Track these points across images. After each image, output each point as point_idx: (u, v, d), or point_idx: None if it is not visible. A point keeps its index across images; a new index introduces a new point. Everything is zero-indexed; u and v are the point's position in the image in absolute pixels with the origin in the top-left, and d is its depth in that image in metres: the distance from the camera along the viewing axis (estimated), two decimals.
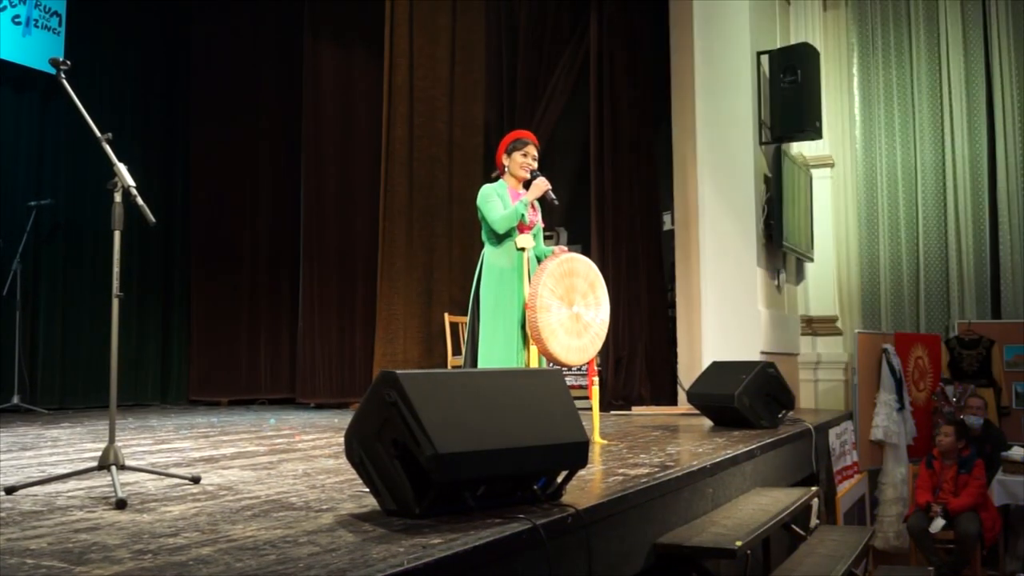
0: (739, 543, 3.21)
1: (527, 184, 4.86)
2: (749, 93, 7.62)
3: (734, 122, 7.61)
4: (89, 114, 3.31)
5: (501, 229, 4.71)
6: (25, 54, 8.11)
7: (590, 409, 4.87)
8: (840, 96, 8.91)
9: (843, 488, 6.54)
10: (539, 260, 4.78)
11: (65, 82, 3.32)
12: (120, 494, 2.78)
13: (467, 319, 4.87)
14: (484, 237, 4.83)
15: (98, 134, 3.26)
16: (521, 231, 4.76)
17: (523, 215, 4.72)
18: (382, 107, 8.58)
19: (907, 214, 8.70)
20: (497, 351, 4.62)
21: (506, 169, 4.90)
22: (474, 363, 4.67)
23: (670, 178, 8.10)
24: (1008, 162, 8.24)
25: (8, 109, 8.17)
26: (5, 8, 8.04)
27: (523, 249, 4.73)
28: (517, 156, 4.86)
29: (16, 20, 8.12)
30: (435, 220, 8.42)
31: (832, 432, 6.57)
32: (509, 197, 4.80)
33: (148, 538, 2.28)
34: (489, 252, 4.77)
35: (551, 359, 4.62)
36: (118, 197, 3.18)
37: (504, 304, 4.67)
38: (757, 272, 7.48)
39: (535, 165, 4.88)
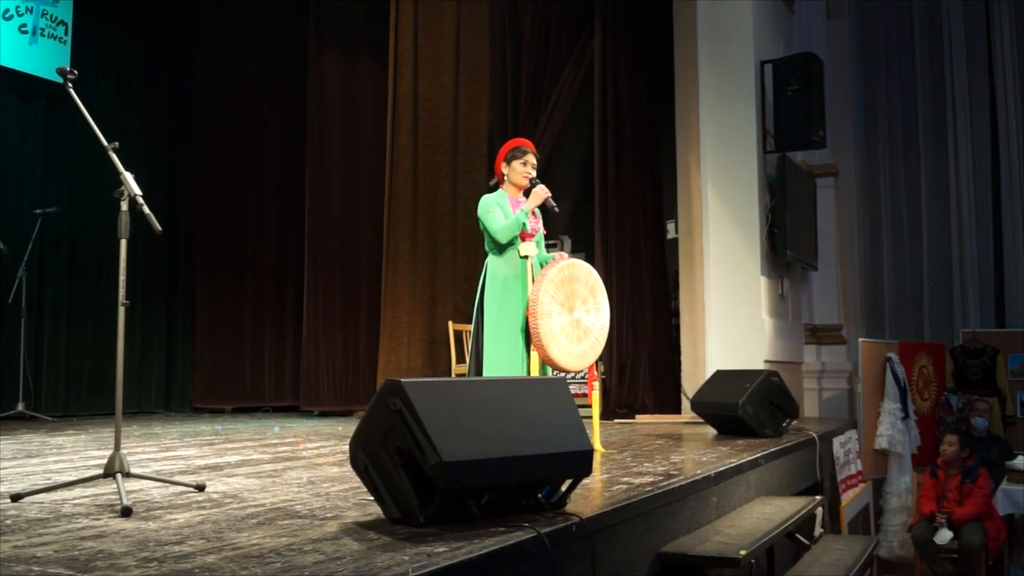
0: (743, 552, 3.21)
1: (527, 192, 4.88)
2: (753, 102, 7.64)
3: (738, 131, 7.62)
4: (95, 122, 3.33)
5: (503, 239, 4.72)
6: (32, 63, 8.15)
7: (591, 417, 4.87)
8: (844, 105, 8.92)
9: (847, 497, 6.53)
10: (542, 266, 4.79)
11: (72, 91, 3.34)
12: (125, 502, 2.78)
13: (471, 328, 4.88)
14: (487, 247, 4.85)
15: (105, 143, 3.27)
16: (523, 239, 4.78)
17: (524, 224, 4.73)
18: (386, 116, 8.61)
19: (911, 223, 8.70)
20: (502, 359, 4.62)
21: (505, 177, 4.92)
22: (478, 372, 4.68)
23: (674, 187, 8.11)
24: (1012, 170, 8.25)
25: (14, 117, 8.21)
26: (12, 17, 8.08)
27: (526, 257, 4.75)
28: (516, 164, 4.88)
29: (23, 29, 8.16)
30: (439, 228, 8.42)
31: (836, 441, 6.56)
32: (509, 206, 4.82)
33: (154, 546, 2.29)
34: (492, 261, 4.79)
35: (552, 365, 4.62)
36: (124, 206, 3.19)
37: (508, 312, 4.68)
38: (761, 281, 7.48)
39: (534, 173, 4.90)
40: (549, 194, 4.82)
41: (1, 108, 8.08)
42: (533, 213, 4.86)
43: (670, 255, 8.37)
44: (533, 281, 4.68)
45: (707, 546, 3.32)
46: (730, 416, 5.64)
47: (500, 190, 4.93)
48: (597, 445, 4.75)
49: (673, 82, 8.13)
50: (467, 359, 5.00)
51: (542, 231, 4.96)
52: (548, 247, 5.09)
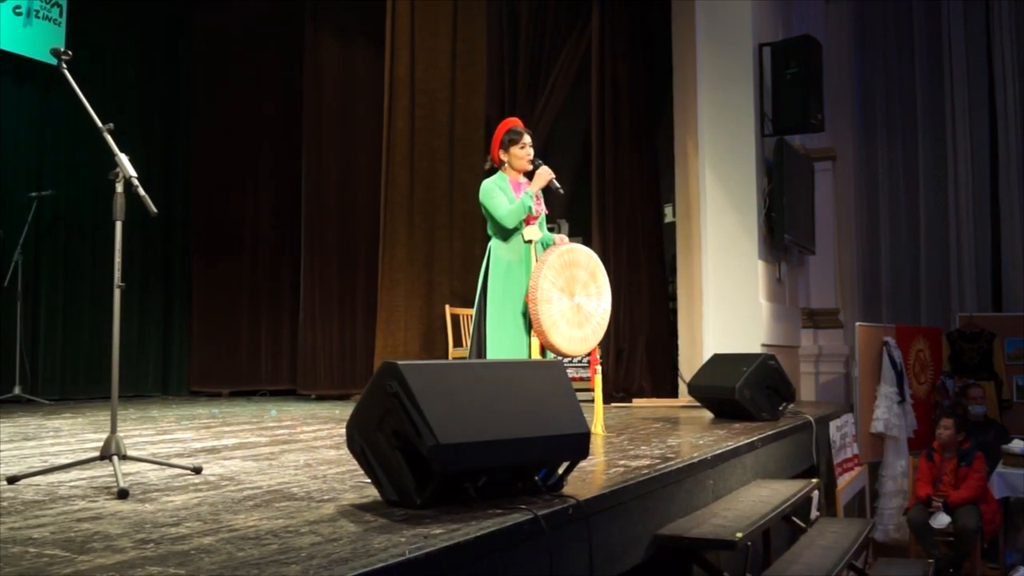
0: (739, 535, 3.21)
1: (529, 174, 4.84)
2: (751, 85, 7.61)
3: (736, 114, 7.60)
4: (90, 104, 3.31)
5: (510, 224, 4.67)
6: (26, 44, 8.09)
7: (590, 401, 4.86)
8: (842, 88, 8.90)
9: (843, 480, 6.55)
10: (544, 247, 4.77)
11: (67, 72, 3.32)
12: (122, 484, 2.78)
13: (472, 312, 4.86)
14: (490, 231, 4.79)
15: (100, 124, 3.25)
16: (527, 223, 4.73)
17: (530, 207, 4.70)
18: (383, 99, 8.57)
19: (908, 207, 8.70)
20: (505, 344, 4.61)
21: (505, 164, 4.86)
22: (480, 356, 4.65)
23: (672, 170, 8.10)
24: (1010, 154, 8.24)
25: (9, 100, 8.16)
26: None
27: (530, 241, 4.72)
28: (515, 150, 4.81)
29: (17, 11, 8.10)
30: (436, 212, 8.41)
31: (833, 425, 6.57)
32: (511, 189, 4.77)
33: (150, 528, 2.29)
34: (496, 246, 4.75)
35: (553, 350, 4.61)
36: (119, 187, 3.18)
37: (511, 297, 4.65)
38: (758, 264, 7.48)
39: (533, 153, 4.85)
40: (553, 175, 4.77)
41: None
42: (536, 195, 4.81)
43: (667, 239, 8.36)
44: None
45: (703, 529, 3.32)
46: (727, 400, 5.64)
47: (500, 173, 4.86)
48: (598, 429, 4.75)
49: (671, 65, 8.10)
50: (466, 343, 4.99)
51: (545, 211, 4.92)
52: (548, 229, 5.06)
